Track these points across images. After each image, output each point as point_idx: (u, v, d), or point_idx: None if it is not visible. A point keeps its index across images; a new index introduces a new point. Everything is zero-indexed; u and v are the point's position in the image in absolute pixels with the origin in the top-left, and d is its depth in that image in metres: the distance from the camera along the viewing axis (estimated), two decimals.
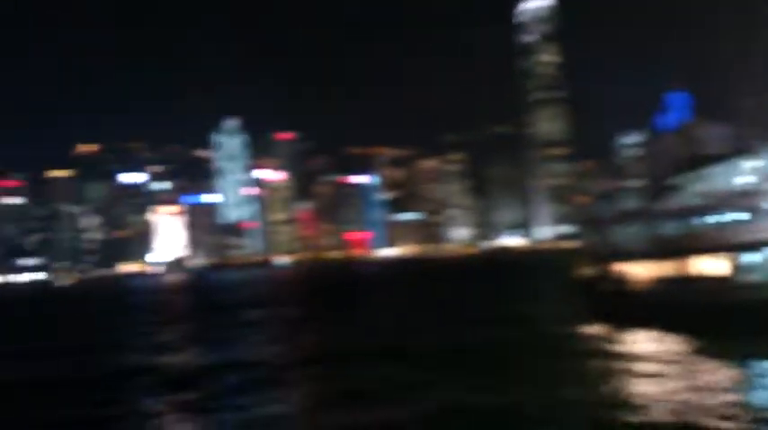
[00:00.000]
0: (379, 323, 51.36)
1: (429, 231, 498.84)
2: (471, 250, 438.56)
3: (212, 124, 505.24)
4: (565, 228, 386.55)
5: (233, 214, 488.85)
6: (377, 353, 36.90)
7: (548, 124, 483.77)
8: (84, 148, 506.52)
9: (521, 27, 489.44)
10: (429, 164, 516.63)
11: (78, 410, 27.20)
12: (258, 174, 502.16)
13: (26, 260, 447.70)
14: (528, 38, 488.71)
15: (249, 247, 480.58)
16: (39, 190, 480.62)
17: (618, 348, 34.66)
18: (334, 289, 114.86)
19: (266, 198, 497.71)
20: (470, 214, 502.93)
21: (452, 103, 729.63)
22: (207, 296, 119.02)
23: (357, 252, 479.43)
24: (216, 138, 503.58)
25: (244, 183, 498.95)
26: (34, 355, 45.26)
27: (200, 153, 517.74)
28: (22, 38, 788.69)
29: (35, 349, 48.96)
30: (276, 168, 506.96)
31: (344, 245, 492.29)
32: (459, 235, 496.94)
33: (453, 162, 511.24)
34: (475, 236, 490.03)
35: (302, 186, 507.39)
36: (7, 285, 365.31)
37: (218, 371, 34.70)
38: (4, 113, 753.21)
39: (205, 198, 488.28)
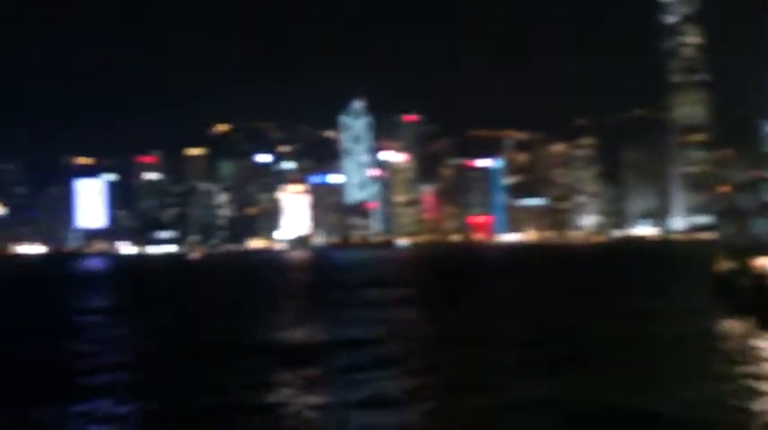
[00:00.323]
0: (500, 310, 49.83)
1: (554, 217, 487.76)
2: (599, 238, 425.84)
3: (340, 105, 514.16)
4: (701, 219, 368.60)
5: (357, 195, 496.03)
6: (494, 339, 35.74)
7: (687, 108, 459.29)
8: (218, 128, 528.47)
9: (663, 7, 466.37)
10: (557, 148, 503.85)
11: (203, 384, 27.28)
12: (382, 155, 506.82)
13: (162, 233, 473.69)
14: (670, 18, 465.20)
15: (371, 228, 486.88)
16: (176, 167, 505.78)
17: (761, 348, 31.85)
18: (454, 272, 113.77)
19: (389, 179, 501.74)
20: (599, 201, 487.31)
21: (586, 85, 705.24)
22: (329, 274, 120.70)
23: (479, 236, 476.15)
24: (343, 119, 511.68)
25: (368, 165, 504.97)
26: (157, 327, 46.58)
27: (328, 134, 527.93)
28: (166, 21, 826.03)
29: (160, 320, 50.51)
30: (400, 150, 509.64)
31: (466, 228, 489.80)
32: (587, 222, 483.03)
33: (583, 146, 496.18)
34: (604, 224, 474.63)
35: (425, 168, 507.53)
36: (144, 256, 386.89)
37: (339, 348, 34.43)
38: (145, 94, 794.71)
39: (330, 178, 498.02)
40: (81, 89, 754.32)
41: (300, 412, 22.99)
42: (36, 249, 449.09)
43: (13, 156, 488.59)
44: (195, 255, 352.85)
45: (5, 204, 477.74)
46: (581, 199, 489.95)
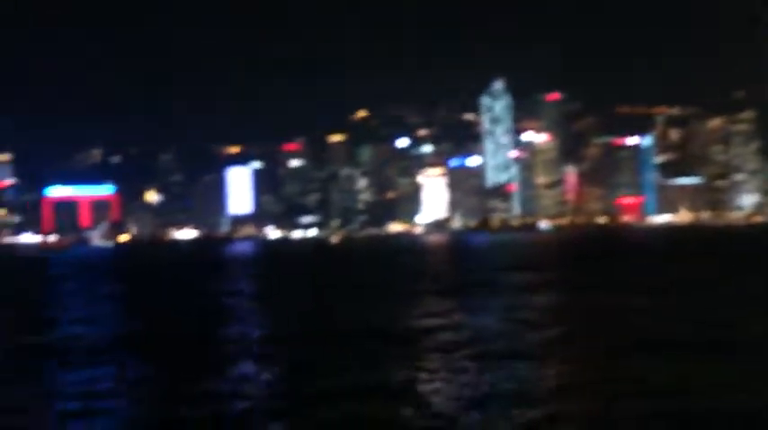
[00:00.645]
0: (646, 297, 43.46)
1: (710, 197, 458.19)
2: (759, 219, 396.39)
3: (479, 87, 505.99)
4: None
5: (497, 177, 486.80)
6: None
7: None
8: (359, 114, 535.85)
9: None
10: (713, 123, 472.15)
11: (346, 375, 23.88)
12: (523, 136, 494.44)
13: (305, 218, 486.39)
14: None
15: (512, 211, 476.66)
16: (318, 153, 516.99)
17: None
18: (599, 256, 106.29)
19: (531, 161, 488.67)
20: (760, 179, 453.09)
21: (744, 55, 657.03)
22: (467, 257, 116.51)
23: (627, 218, 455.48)
24: (482, 100, 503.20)
25: (508, 146, 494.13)
26: (298, 311, 43.82)
27: (467, 116, 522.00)
28: (308, 9, 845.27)
29: (301, 304, 48.02)
30: (542, 130, 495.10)
31: (613, 210, 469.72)
32: (746, 202, 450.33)
33: (742, 121, 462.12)
34: (765, 203, 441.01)
35: (569, 148, 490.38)
36: (288, 240, 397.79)
37: (476, 335, 30.30)
38: (288, 83, 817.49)
39: (470, 161, 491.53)
40: (227, 80, 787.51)
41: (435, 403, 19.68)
42: (189, 234, 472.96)
43: (169, 145, 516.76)
44: (335, 238, 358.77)
45: (162, 191, 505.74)
46: (740, 177, 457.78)
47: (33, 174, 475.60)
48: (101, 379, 23.91)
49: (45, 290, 70.18)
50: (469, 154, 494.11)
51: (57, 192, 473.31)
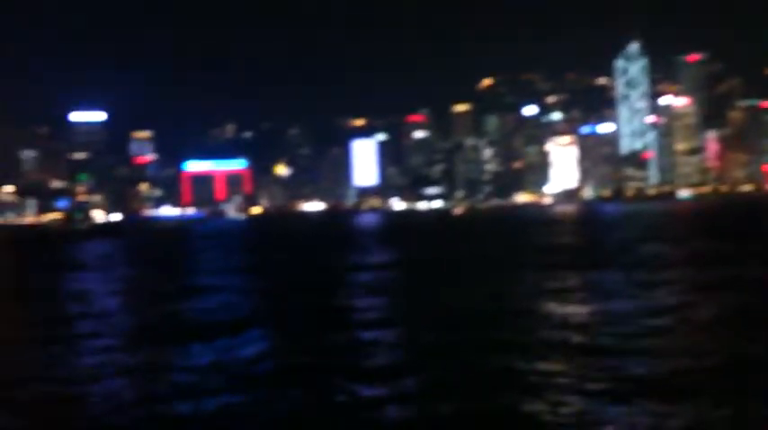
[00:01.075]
0: None
1: None
2: None
3: (612, 50, 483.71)
4: None
5: (632, 144, 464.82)
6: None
7: None
8: (484, 82, 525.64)
9: None
10: None
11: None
12: (661, 100, 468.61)
13: (430, 189, 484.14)
14: None
15: (648, 179, 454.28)
16: (443, 124, 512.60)
17: None
18: (745, 226, 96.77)
19: (669, 126, 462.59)
20: None
21: None
22: (599, 229, 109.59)
23: None
24: (617, 63, 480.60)
25: (644, 111, 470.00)
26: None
27: (600, 80, 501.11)
28: None
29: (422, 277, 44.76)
30: (681, 93, 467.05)
31: (759, 177, 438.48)
32: None
33: None
34: None
35: (710, 113, 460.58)
36: (413, 211, 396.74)
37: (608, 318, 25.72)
38: (412, 55, 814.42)
39: (602, 128, 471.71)
40: (352, 54, 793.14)
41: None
42: (317, 206, 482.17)
43: (297, 120, 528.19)
44: (458, 210, 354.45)
45: (291, 165, 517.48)
46: None
47: (172, 150, 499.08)
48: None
49: (187, 260, 70.66)
50: (602, 120, 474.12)
51: (194, 166, 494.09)
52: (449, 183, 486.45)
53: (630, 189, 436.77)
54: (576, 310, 28.12)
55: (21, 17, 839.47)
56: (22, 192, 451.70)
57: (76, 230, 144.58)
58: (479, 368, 19.09)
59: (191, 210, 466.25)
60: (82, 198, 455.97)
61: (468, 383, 17.52)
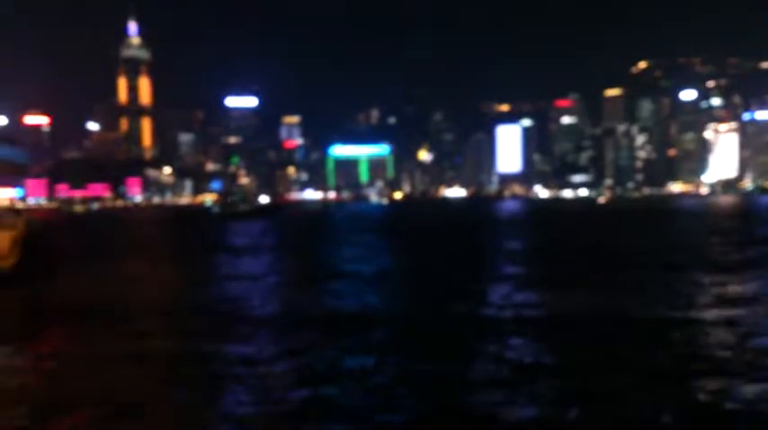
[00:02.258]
0: None
1: None
2: None
3: None
4: None
5: None
6: None
7: None
8: (638, 66, 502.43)
9: None
10: None
11: None
12: None
13: (576, 177, 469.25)
14: None
15: None
16: (593, 109, 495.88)
17: None
18: None
19: None
20: None
21: None
22: (758, 222, 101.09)
23: None
24: None
25: None
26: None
27: (763, 65, 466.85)
28: None
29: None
30: None
31: None
32: None
33: None
34: None
35: None
36: (558, 200, 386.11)
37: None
38: (564, 37, 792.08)
39: (764, 114, 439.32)
40: (498, 39, 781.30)
41: None
42: (459, 192, 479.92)
43: (441, 105, 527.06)
44: (602, 199, 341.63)
45: (433, 150, 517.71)
46: None
47: (319, 135, 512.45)
48: None
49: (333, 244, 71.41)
50: (765, 107, 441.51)
51: (339, 151, 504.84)
52: (597, 170, 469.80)
53: None
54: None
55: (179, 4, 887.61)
56: (179, 174, 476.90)
57: (239, 211, 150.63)
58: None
59: (333, 194, 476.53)
60: (240, 181, 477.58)
61: None
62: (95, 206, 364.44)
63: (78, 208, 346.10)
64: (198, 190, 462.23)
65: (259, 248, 57.86)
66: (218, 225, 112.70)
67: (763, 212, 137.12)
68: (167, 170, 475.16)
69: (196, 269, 42.41)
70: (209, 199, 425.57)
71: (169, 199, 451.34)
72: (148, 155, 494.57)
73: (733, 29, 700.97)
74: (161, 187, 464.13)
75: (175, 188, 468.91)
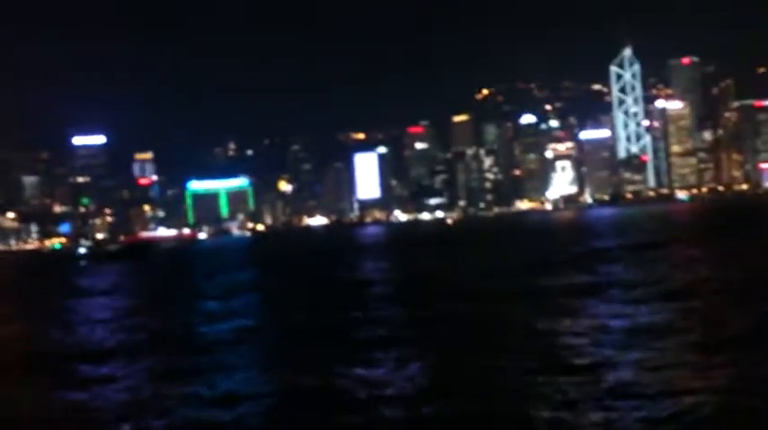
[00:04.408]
0: None
1: None
2: None
3: (605, 56, 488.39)
4: None
5: (628, 148, 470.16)
6: None
7: None
8: (482, 93, 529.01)
9: None
10: None
11: None
12: (655, 104, 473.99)
13: (432, 200, 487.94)
14: None
15: (646, 182, 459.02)
16: (443, 135, 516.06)
17: None
18: (745, 225, 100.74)
19: (664, 129, 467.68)
20: None
21: None
22: (603, 232, 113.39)
23: None
24: (611, 69, 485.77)
25: (640, 115, 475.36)
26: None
27: (595, 87, 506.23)
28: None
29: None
30: (674, 97, 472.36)
31: (755, 176, 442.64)
32: None
33: None
34: None
35: (704, 114, 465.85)
36: (415, 222, 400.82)
37: None
38: (408, 67, 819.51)
39: (598, 133, 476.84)
40: (349, 69, 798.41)
41: None
42: (320, 221, 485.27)
43: (298, 135, 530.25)
44: (450, 220, 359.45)
45: (293, 180, 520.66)
46: None
47: (175, 171, 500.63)
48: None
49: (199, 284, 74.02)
50: (598, 126, 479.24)
51: (197, 185, 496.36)
52: (451, 193, 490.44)
53: (629, 192, 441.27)
54: None
55: (19, 41, 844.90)
56: (24, 218, 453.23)
57: (97, 253, 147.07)
58: None
59: (187, 231, 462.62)
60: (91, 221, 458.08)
61: None
62: None
63: None
64: (45, 234, 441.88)
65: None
66: (88, 269, 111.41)
67: (596, 223, 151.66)
68: (10, 215, 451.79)
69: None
70: (57, 243, 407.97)
71: (13, 245, 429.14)
72: None
73: (565, 54, 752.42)
74: (4, 233, 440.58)
75: (20, 233, 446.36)
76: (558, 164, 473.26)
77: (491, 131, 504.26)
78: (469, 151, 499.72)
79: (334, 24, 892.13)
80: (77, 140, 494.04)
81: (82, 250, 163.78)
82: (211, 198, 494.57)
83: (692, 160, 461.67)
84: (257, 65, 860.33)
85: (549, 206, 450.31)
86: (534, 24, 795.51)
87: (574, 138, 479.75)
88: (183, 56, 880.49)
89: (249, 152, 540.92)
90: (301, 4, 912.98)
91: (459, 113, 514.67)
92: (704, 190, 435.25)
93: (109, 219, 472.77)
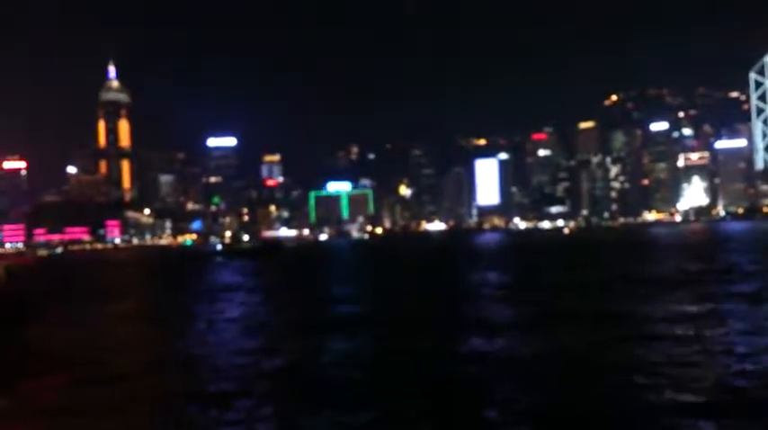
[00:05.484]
0: None
1: None
2: None
3: (746, 62, 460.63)
4: None
5: (766, 159, 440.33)
6: None
7: None
8: (610, 99, 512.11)
9: None
10: None
11: None
12: None
13: (553, 208, 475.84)
14: None
15: None
16: (567, 142, 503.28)
17: None
18: None
19: None
20: None
21: None
22: (719, 248, 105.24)
23: None
24: (751, 75, 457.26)
25: None
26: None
27: (732, 94, 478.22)
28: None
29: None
30: None
31: None
32: None
33: None
34: None
35: None
36: (535, 230, 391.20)
37: None
38: (535, 70, 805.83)
39: (735, 143, 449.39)
40: (476, 74, 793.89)
41: None
42: (438, 226, 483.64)
43: (420, 140, 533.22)
44: (567, 229, 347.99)
45: (413, 185, 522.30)
46: None
47: (300, 173, 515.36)
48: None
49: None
50: (735, 135, 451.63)
51: (320, 188, 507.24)
52: (573, 201, 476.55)
53: (766, 206, 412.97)
54: None
55: (162, 46, 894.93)
56: (159, 215, 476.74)
57: (233, 250, 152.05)
58: None
59: (308, 232, 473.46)
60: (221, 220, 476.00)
61: None
62: (59, 250, 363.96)
63: (42, 252, 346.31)
64: (177, 230, 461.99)
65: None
66: (223, 264, 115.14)
67: (726, 238, 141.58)
68: (147, 211, 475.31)
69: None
70: (189, 239, 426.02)
71: (148, 240, 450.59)
72: (128, 197, 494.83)
73: (701, 59, 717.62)
74: (141, 229, 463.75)
75: (155, 229, 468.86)
76: (690, 174, 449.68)
77: (619, 139, 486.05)
78: (595, 159, 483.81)
79: (457, 30, 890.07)
80: (211, 142, 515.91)
81: (218, 247, 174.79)
82: (333, 200, 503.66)
83: None
84: (383, 69, 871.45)
85: (678, 218, 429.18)
86: (671, 26, 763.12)
87: (708, 147, 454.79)
88: (312, 60, 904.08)
89: (371, 156, 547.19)
90: (436, 9, 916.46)
91: (585, 120, 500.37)
92: None
93: (242, 217, 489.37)
